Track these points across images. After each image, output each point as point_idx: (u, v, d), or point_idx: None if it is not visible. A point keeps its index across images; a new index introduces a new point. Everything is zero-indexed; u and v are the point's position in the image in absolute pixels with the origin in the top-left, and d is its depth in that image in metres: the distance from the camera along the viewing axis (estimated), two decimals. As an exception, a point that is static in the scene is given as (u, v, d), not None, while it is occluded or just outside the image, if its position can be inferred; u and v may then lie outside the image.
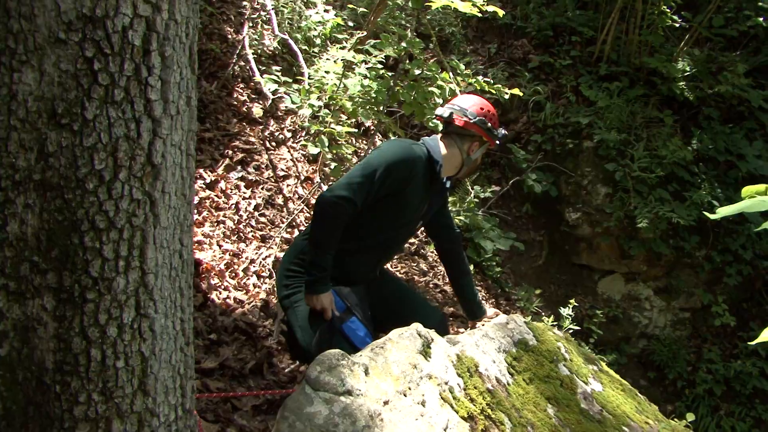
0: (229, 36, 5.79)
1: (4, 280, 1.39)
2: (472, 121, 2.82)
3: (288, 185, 5.01)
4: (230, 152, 4.85)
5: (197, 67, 1.67)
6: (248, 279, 4.09)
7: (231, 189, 4.63)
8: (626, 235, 6.43)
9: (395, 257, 5.14)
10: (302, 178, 5.14)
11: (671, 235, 6.36)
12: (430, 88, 4.49)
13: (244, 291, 4.00)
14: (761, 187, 1.58)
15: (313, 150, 4.77)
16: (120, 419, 1.51)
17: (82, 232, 1.40)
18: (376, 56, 4.84)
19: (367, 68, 4.76)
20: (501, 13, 4.29)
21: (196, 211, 4.25)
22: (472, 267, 5.53)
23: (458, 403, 2.03)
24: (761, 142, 6.73)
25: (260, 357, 3.50)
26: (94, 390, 1.47)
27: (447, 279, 4.62)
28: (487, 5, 4.15)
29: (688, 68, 6.98)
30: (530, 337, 2.68)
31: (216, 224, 4.30)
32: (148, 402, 1.56)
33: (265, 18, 5.97)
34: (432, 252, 5.47)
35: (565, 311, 4.59)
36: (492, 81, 4.84)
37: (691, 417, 3.22)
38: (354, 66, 4.82)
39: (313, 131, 4.94)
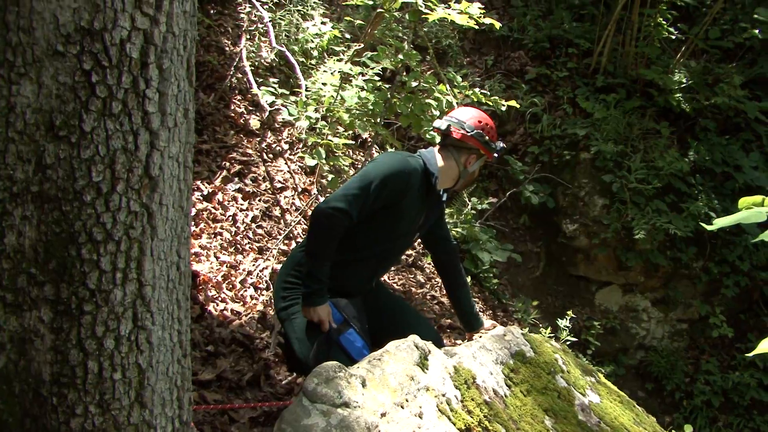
0: (227, 48, 5.81)
1: (1, 292, 1.39)
2: (469, 134, 2.82)
3: (285, 197, 5.01)
4: (227, 164, 4.86)
5: (195, 79, 1.68)
6: (245, 291, 4.09)
7: (228, 201, 4.63)
8: (623, 247, 6.43)
9: (392, 269, 5.14)
10: (299, 189, 5.14)
11: (668, 246, 6.37)
12: (427, 100, 4.51)
13: (242, 303, 4.00)
14: (758, 198, 1.59)
15: (310, 162, 4.78)
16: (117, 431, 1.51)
17: (79, 244, 1.41)
18: (373, 68, 4.85)
19: (364, 80, 4.78)
20: (498, 25, 4.32)
21: (193, 222, 4.26)
22: (469, 278, 5.52)
23: (455, 415, 2.03)
24: (758, 153, 6.76)
25: (257, 369, 3.50)
26: (91, 402, 1.47)
27: (444, 290, 4.63)
28: (484, 17, 4.18)
29: (684, 80, 7.02)
30: (527, 349, 2.68)
31: (213, 236, 4.30)
32: (145, 414, 1.56)
33: (262, 30, 6.00)
34: (429, 264, 5.48)
35: (563, 323, 4.59)
36: (489, 93, 4.87)
37: (689, 429, 3.23)
38: (351, 78, 4.83)
39: (310, 143, 4.96)
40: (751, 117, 6.80)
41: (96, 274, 1.42)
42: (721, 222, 1.61)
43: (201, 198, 4.48)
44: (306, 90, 5.14)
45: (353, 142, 5.13)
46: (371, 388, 1.89)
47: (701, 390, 6.14)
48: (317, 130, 4.80)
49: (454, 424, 1.98)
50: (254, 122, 5.35)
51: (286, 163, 5.25)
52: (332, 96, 4.68)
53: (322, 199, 4.83)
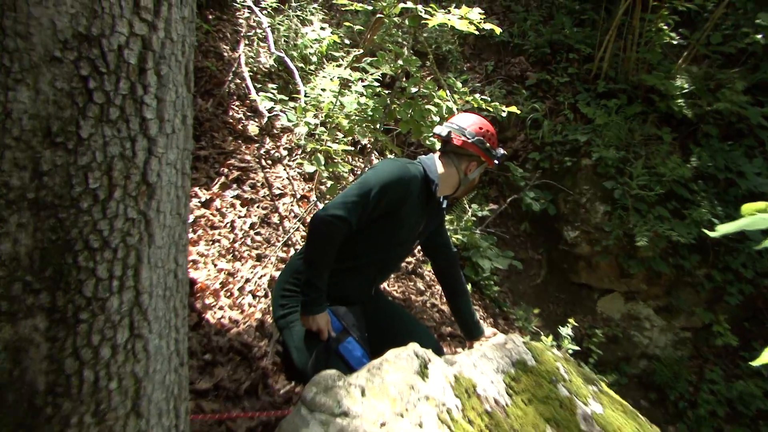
0: (225, 54, 5.83)
1: (-4, 301, 1.39)
2: (470, 141, 2.83)
3: (284, 204, 5.01)
4: (226, 170, 4.86)
5: (193, 85, 1.68)
6: (243, 299, 4.08)
7: (226, 207, 4.63)
8: (625, 254, 6.43)
9: (392, 276, 5.14)
10: (298, 196, 5.14)
11: (671, 253, 6.37)
12: (426, 106, 4.51)
13: (239, 311, 3.99)
14: (761, 204, 1.58)
15: (309, 168, 4.78)
16: (112, 442, 1.50)
17: (75, 251, 1.40)
18: (372, 74, 4.87)
19: (363, 86, 4.79)
20: (498, 30, 4.33)
21: (191, 229, 4.25)
22: (469, 286, 5.53)
23: (456, 425, 2.02)
24: (761, 159, 6.76)
25: (255, 378, 3.48)
26: (87, 412, 1.46)
27: (444, 298, 4.63)
28: (484, 23, 4.18)
29: (686, 85, 7.02)
30: (529, 358, 2.67)
31: (211, 243, 4.30)
32: (141, 424, 1.55)
33: (261, 36, 6.02)
34: (429, 271, 5.47)
35: (564, 331, 4.58)
36: (489, 98, 4.86)
37: (693, 438, 3.21)
38: (350, 84, 4.85)
39: (309, 149, 4.96)
40: (754, 123, 6.80)
41: (92, 282, 1.42)
42: (724, 228, 1.61)
43: (199, 204, 4.48)
44: (305, 96, 5.15)
45: (352, 149, 5.13)
46: (371, 398, 1.89)
47: (705, 399, 6.12)
48: (316, 136, 4.81)
49: (455, 434, 1.97)
50: (253, 128, 5.36)
51: (284, 170, 5.26)
52: (331, 102, 4.69)
53: (321, 206, 4.83)
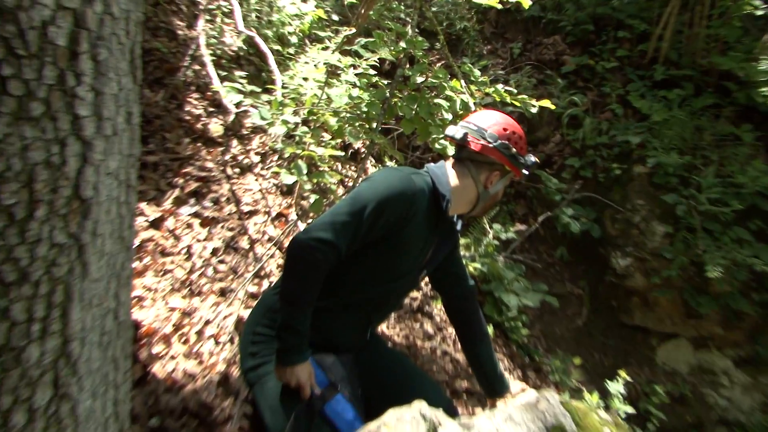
0: (180, 32, 5.85)
1: None
2: (491, 146, 2.82)
3: (255, 223, 5.01)
4: (181, 181, 4.86)
5: (141, 74, 1.68)
6: (202, 345, 4.06)
7: (182, 228, 4.63)
8: (693, 288, 6.41)
9: (392, 316, 5.12)
10: (273, 214, 5.14)
11: (754, 287, 6.33)
12: (436, 100, 4.52)
13: (197, 361, 3.97)
14: None
15: (287, 179, 4.77)
16: None
17: (-16, 286, 1.39)
18: (367, 59, 4.88)
19: (356, 74, 4.81)
20: (527, 3, 4.35)
21: (136, 257, 4.25)
22: (491, 329, 5.51)
23: (475, 508, 2.00)
24: None
25: (217, 448, 3.46)
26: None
27: (459, 344, 4.60)
28: (509, -6, 4.22)
29: (771, 70, 7.01)
30: (568, 422, 2.66)
31: (162, 274, 4.29)
32: None
33: (226, 9, 6.05)
34: (440, 309, 5.46)
35: (614, 387, 4.56)
36: (515, 90, 4.88)
37: None
38: (340, 72, 4.86)
39: (287, 155, 4.97)
40: None
41: (5, 326, 1.40)
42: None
43: (146, 225, 4.48)
44: (282, 87, 5.17)
45: (342, 154, 5.14)
46: (365, 474, 1.87)
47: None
48: (296, 138, 4.82)
49: None
50: (216, 127, 5.37)
51: (256, 180, 5.26)
52: (315, 95, 4.70)
53: (302, 226, 4.83)
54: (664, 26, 7.26)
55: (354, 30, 6.00)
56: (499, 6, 4.24)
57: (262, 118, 4.95)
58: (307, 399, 2.59)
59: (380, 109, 4.60)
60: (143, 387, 3.60)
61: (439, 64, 7.11)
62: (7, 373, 1.42)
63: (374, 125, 4.67)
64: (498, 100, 4.80)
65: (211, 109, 5.52)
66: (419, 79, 4.64)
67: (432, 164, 2.92)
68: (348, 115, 4.64)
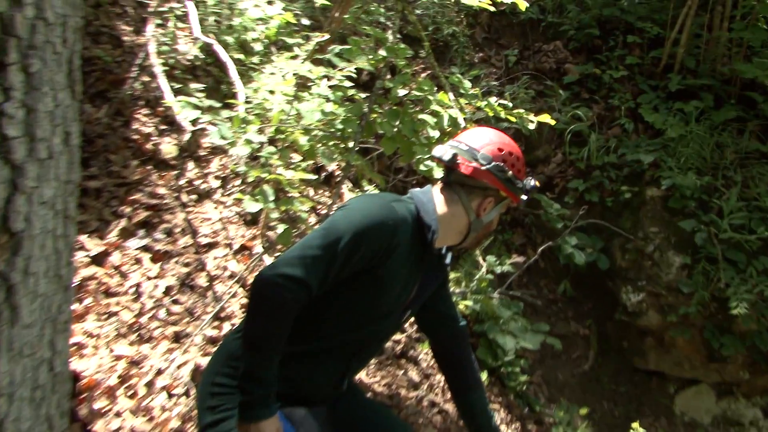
0: (126, 38, 5.86)
1: None
2: (484, 168, 2.80)
3: (215, 258, 5.00)
4: (128, 210, 4.85)
5: (80, 88, 1.68)
6: (153, 399, 4.04)
7: (129, 264, 4.61)
8: (715, 327, 6.42)
9: (372, 362, 5.11)
10: (236, 247, 5.13)
11: (786, 326, 6.35)
12: (420, 116, 4.54)
13: (147, 418, 3.94)
14: None
15: (251, 206, 4.76)
16: None
17: None
18: (342, 69, 4.90)
19: (329, 87, 4.82)
20: (523, 5, 4.38)
21: (75, 298, 4.22)
22: (484, 375, 5.50)
23: None
24: None
25: None
26: None
27: (449, 393, 4.60)
28: (503, -5, 4.25)
29: (804, 79, 7.05)
30: (574, 482, 2.66)
31: (105, 317, 4.26)
32: None
33: (180, 12, 6.05)
34: (427, 354, 5.45)
35: (627, 441, 4.57)
36: (511, 104, 4.91)
37: None
38: (311, 84, 4.87)
39: (251, 179, 4.97)
40: None
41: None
42: None
43: (88, 261, 4.46)
44: (245, 101, 5.17)
45: (314, 177, 5.15)
46: None
47: None
48: (262, 159, 4.82)
49: None
50: (168, 148, 5.37)
51: (216, 208, 5.26)
52: (283, 110, 4.71)
53: (268, 261, 4.82)
54: (679, 30, 7.30)
55: (327, 36, 6.03)
56: (492, 8, 4.27)
57: (223, 137, 4.95)
58: (274, 460, 2.57)
59: (357, 127, 4.61)
60: (85, 448, 3.58)
61: (424, 75, 7.15)
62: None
63: (350, 144, 4.68)
64: (491, 115, 4.83)
65: (163, 127, 5.51)
66: (401, 92, 4.66)
67: (417, 189, 2.92)
68: (320, 133, 4.65)
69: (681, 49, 7.35)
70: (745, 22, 7.16)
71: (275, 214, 5.17)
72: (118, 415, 3.87)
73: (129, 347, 4.20)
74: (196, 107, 5.10)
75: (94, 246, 4.54)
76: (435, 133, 4.52)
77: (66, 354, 1.62)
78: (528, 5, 4.66)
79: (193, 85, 5.70)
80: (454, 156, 2.84)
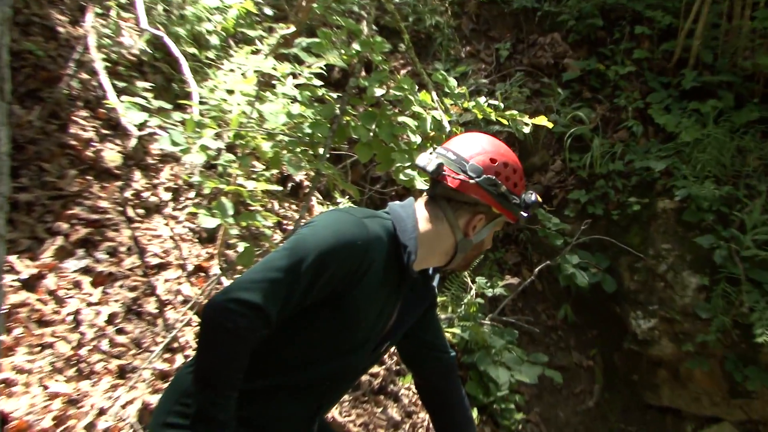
0: (62, 29, 5.85)
1: None
2: (473, 181, 2.75)
3: (166, 281, 5.00)
4: (65, 226, 4.84)
5: (10, 87, 1.69)
6: (95, 443, 4.04)
7: (66, 289, 4.60)
8: (737, 357, 6.44)
9: (345, 399, 5.12)
10: (190, 268, 5.13)
11: (818, 356, 6.37)
12: (400, 119, 4.56)
13: (88, 464, 3.94)
14: None
15: (207, 222, 4.75)
16: None
17: None
18: (311, 66, 4.92)
19: (296, 86, 4.84)
20: (515, -6, 4.42)
21: (4, 328, 4.21)
22: (475, 413, 5.50)
23: None
24: None
25: None
26: None
27: (435, 435, 4.62)
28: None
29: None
30: None
31: (39, 350, 4.25)
32: None
33: (123, 0, 6.05)
34: (409, 389, 5.46)
35: (636, 487, 4.59)
36: (502, 104, 4.94)
37: None
38: (275, 82, 4.89)
39: (207, 190, 4.97)
40: None
41: None
42: None
43: (18, 285, 4.44)
44: (200, 102, 5.18)
45: (279, 189, 5.15)
46: None
47: None
48: (219, 168, 4.82)
49: None
50: (112, 155, 5.36)
51: (167, 224, 5.26)
52: (244, 112, 4.72)
53: (227, 283, 4.82)
54: (694, 19, 7.30)
55: (293, 28, 6.05)
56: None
57: (174, 143, 4.95)
58: None
59: (328, 131, 4.63)
60: (15, 501, 3.57)
61: (403, 72, 7.19)
62: None
63: (321, 151, 4.69)
64: (480, 117, 4.85)
65: (106, 132, 5.50)
66: (378, 92, 4.68)
67: (396, 203, 2.86)
68: (286, 138, 4.66)
69: (696, 41, 7.37)
70: (769, 9, 7.20)
71: (235, 231, 5.17)
72: (54, 461, 3.86)
73: (66, 384, 4.19)
74: (144, 109, 5.09)
75: (25, 268, 4.53)
76: (416, 139, 4.53)
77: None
78: (521, -8, 4.70)
79: (140, 84, 5.70)
80: (440, 166, 2.78)
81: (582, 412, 6.67)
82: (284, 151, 4.65)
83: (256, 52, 5.79)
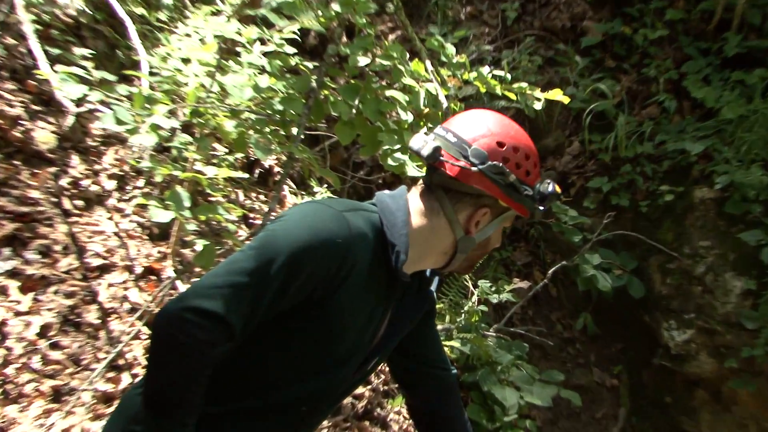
0: (-15, -12, 5.85)
1: None
2: (476, 169, 2.64)
3: (110, 285, 5.00)
4: (-11, 221, 4.84)
5: None
6: (25, 478, 4.05)
7: (-9, 296, 4.61)
8: (791, 375, 6.47)
9: (325, 424, 5.13)
10: (138, 270, 5.13)
11: None
12: (388, 92, 4.56)
13: (17, 503, 3.95)
14: None
15: (159, 216, 4.74)
16: None
17: None
18: (281, 30, 4.92)
19: (264, 54, 4.84)
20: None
21: None
22: (480, 441, 5.53)
23: None
24: None
25: None
26: None
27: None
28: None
29: None
30: None
31: (-41, 368, 4.26)
32: None
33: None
34: (399, 413, 5.47)
35: None
36: (509, 76, 4.94)
37: None
38: (240, 50, 4.89)
39: (159, 178, 4.97)
40: None
41: None
42: None
43: (-65, 292, 4.46)
44: (150, 73, 5.17)
45: (245, 176, 5.16)
46: None
47: None
48: (173, 152, 4.82)
49: None
50: (44, 136, 5.36)
51: (111, 218, 5.26)
52: (202, 85, 4.72)
53: (183, 288, 4.82)
54: (737, -25, 7.32)
55: (261, -16, 6.06)
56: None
57: (119, 122, 4.94)
58: None
59: (303, 108, 4.63)
60: None
61: (392, 37, 7.19)
62: None
63: (294, 132, 4.69)
64: (483, 91, 4.85)
65: (37, 108, 5.49)
66: (362, 61, 4.67)
67: (385, 193, 2.78)
68: (253, 116, 4.66)
69: (740, 3, 7.37)
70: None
71: (192, 226, 5.16)
72: (-24, 500, 3.87)
73: (-8, 409, 4.20)
74: (83, 81, 5.08)
75: (-57, 272, 4.54)
76: (407, 117, 4.52)
77: None
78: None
79: (78, 51, 5.69)
80: (437, 150, 2.66)
81: (605, 440, 6.71)
82: (251, 132, 4.65)
83: (216, 13, 5.78)
